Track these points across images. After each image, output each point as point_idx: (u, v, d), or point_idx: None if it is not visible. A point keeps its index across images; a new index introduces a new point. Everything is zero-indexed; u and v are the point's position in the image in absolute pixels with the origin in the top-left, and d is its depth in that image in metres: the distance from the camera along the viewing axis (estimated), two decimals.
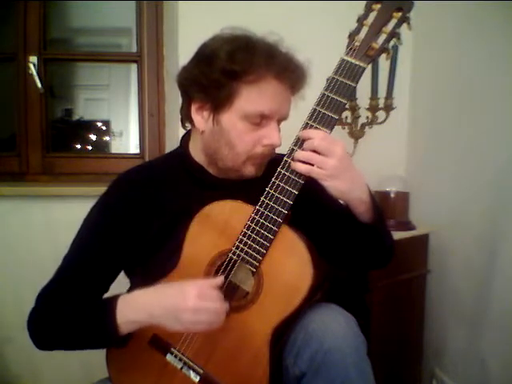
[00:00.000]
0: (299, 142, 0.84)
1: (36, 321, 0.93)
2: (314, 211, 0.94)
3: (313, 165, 0.82)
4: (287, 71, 0.88)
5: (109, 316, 0.84)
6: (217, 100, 0.89)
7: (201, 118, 0.93)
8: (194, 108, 0.93)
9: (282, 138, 0.91)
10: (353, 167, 0.85)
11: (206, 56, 0.90)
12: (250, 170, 0.93)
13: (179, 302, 0.80)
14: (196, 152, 0.98)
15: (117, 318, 0.84)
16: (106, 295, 0.98)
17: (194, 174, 0.98)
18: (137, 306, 0.85)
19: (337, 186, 0.83)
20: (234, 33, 0.90)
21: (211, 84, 0.88)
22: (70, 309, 0.91)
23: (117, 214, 0.94)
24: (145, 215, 0.94)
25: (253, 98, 0.87)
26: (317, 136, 0.81)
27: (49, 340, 0.93)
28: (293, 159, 0.84)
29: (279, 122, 0.93)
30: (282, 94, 0.90)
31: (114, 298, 0.87)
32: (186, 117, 0.97)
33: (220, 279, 0.85)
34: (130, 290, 1.01)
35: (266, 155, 0.92)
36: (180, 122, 1.02)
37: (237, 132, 0.89)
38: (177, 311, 0.81)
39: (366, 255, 0.96)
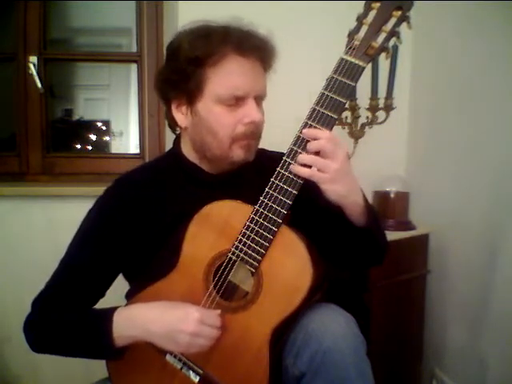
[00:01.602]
0: (299, 141, 0.83)
1: (31, 327, 0.93)
2: (311, 211, 0.93)
3: (310, 166, 0.82)
4: (245, 43, 0.88)
5: (105, 329, 0.85)
6: (189, 91, 0.90)
7: (181, 115, 0.95)
8: (173, 107, 0.95)
9: (265, 118, 0.92)
10: (351, 171, 0.85)
11: (171, 53, 0.93)
12: (238, 154, 0.92)
13: (181, 323, 0.82)
14: (188, 151, 0.99)
15: (113, 332, 0.85)
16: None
17: (189, 172, 0.98)
18: (134, 321, 0.85)
19: (336, 189, 0.82)
20: (193, 25, 0.92)
21: (181, 77, 0.90)
22: (66, 318, 0.91)
23: (114, 217, 0.94)
24: (142, 217, 0.94)
25: (221, 78, 0.88)
26: (323, 136, 0.81)
27: (44, 347, 0.93)
28: (296, 162, 0.83)
29: (258, 100, 0.92)
30: (250, 69, 0.90)
31: (111, 311, 0.87)
32: (170, 119, 0.99)
33: (218, 311, 0.85)
34: (130, 292, 1.02)
35: (249, 135, 0.91)
36: (169, 128, 1.04)
37: (214, 117, 0.90)
38: (176, 332, 0.82)
39: (361, 256, 0.96)
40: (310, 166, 0.82)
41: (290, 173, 0.83)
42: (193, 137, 0.95)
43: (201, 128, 0.92)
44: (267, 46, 0.92)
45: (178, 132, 1.03)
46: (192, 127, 0.94)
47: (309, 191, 0.84)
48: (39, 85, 1.70)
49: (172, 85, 0.92)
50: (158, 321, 0.83)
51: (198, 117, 0.92)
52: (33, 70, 1.68)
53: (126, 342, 0.86)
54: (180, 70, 0.89)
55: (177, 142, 1.02)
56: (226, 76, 0.88)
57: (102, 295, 0.98)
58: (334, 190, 0.82)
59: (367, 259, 0.98)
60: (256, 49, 0.89)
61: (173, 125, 1.00)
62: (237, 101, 0.89)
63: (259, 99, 0.93)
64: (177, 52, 0.90)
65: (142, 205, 0.95)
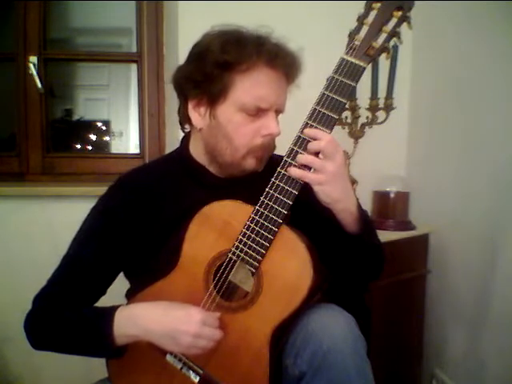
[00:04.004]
0: (300, 141, 0.83)
1: (32, 323, 0.93)
2: (309, 214, 0.92)
3: (310, 169, 0.82)
4: (278, 57, 0.88)
5: (106, 328, 0.85)
6: (212, 93, 0.89)
7: (198, 115, 0.93)
8: (190, 106, 0.93)
9: (281, 130, 0.91)
10: (347, 177, 0.85)
11: (198, 52, 0.91)
12: (250, 163, 0.92)
13: (183, 324, 0.82)
14: (197, 152, 0.98)
15: (113, 331, 0.84)
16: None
17: (195, 174, 0.98)
18: (135, 320, 0.85)
19: (329, 192, 0.82)
20: (224, 28, 0.91)
21: (205, 78, 0.88)
22: (67, 315, 0.91)
23: (116, 217, 0.94)
24: (145, 217, 0.94)
25: (247, 87, 0.88)
26: (324, 138, 0.81)
27: (44, 343, 0.93)
28: (295, 162, 0.83)
29: (277, 113, 0.92)
30: (276, 82, 0.90)
31: (112, 309, 0.87)
32: (183, 117, 0.97)
33: (218, 314, 0.85)
34: (130, 290, 1.02)
35: (266, 147, 0.92)
36: (179, 125, 1.03)
37: (233, 125, 0.89)
38: (178, 333, 0.82)
39: (354, 265, 0.95)
40: (309, 167, 0.82)
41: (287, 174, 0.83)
42: (206, 139, 0.94)
43: (217, 132, 0.91)
44: (295, 62, 0.92)
45: (186, 130, 1.02)
46: (208, 129, 0.93)
47: (308, 194, 0.84)
48: (39, 85, 1.70)
49: (194, 84, 0.91)
50: (159, 321, 0.83)
51: (216, 121, 0.91)
52: (33, 70, 1.68)
53: (126, 341, 0.86)
54: (206, 71, 0.88)
55: (185, 141, 1.01)
56: (253, 85, 0.88)
57: (104, 293, 0.97)
58: (327, 192, 0.82)
59: (359, 269, 0.97)
60: (285, 64, 0.89)
61: (185, 122, 0.99)
62: (258, 111, 0.89)
63: (278, 113, 0.93)
64: (204, 53, 0.89)
65: (145, 203, 0.95)
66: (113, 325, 0.85)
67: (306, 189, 0.83)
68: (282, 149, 0.90)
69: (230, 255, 0.86)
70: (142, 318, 0.85)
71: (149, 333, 0.84)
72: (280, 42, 0.91)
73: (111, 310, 0.87)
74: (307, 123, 0.83)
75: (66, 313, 0.91)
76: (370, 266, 0.97)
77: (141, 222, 0.94)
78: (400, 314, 1.57)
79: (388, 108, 1.50)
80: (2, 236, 1.63)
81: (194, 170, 0.98)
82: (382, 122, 1.52)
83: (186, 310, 0.83)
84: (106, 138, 2.48)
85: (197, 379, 0.88)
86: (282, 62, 0.89)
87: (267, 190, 0.84)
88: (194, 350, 0.83)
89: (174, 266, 0.90)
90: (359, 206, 0.89)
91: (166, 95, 1.78)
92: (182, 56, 0.98)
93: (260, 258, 0.84)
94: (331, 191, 0.82)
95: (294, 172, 0.82)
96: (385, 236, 1.41)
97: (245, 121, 0.89)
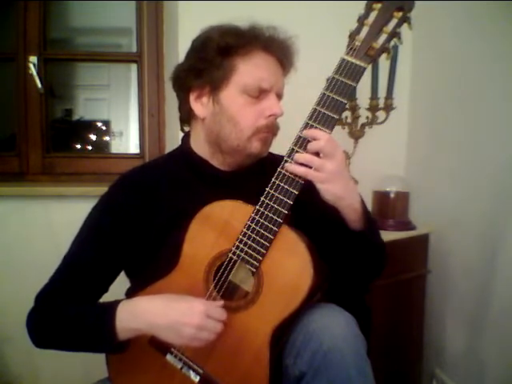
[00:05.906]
0: (300, 141, 0.83)
1: (34, 321, 0.93)
2: (310, 214, 0.92)
3: (311, 167, 0.82)
4: (274, 42, 0.93)
5: (108, 322, 0.85)
6: (215, 80, 0.92)
7: (200, 106, 0.95)
8: (192, 98, 0.95)
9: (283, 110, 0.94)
10: (348, 175, 0.87)
11: (199, 44, 0.95)
12: (255, 146, 0.93)
13: (186, 316, 0.82)
14: (198, 146, 0.99)
15: (116, 325, 0.84)
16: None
17: (197, 168, 0.98)
18: (138, 313, 0.85)
19: (332, 189, 0.83)
20: (222, 23, 0.95)
21: (208, 65, 0.92)
22: (69, 311, 0.91)
23: (118, 215, 0.94)
24: (146, 215, 0.94)
25: (248, 69, 0.91)
26: (323, 137, 0.82)
27: (46, 340, 0.93)
28: (293, 160, 0.83)
29: (277, 98, 0.95)
30: (274, 66, 0.94)
31: (115, 304, 0.87)
32: (185, 112, 0.99)
33: (221, 302, 0.86)
34: (130, 289, 1.02)
35: (270, 127, 0.94)
36: (179, 124, 1.04)
37: (237, 107, 0.92)
38: (181, 325, 0.81)
39: (357, 262, 0.95)
40: (309, 166, 0.82)
41: (289, 172, 0.83)
42: (210, 127, 0.95)
43: (221, 118, 0.93)
44: (290, 48, 0.96)
45: (187, 129, 1.03)
46: (211, 117, 0.94)
47: (309, 194, 0.84)
48: (39, 85, 1.70)
49: (196, 74, 0.93)
50: (162, 314, 0.83)
51: (220, 106, 0.93)
52: (33, 70, 1.68)
53: (129, 335, 0.86)
54: (208, 58, 0.91)
55: (186, 139, 1.02)
56: (254, 67, 0.92)
57: (106, 290, 0.98)
58: (329, 189, 0.83)
59: (362, 266, 0.97)
60: (281, 48, 0.94)
61: (186, 118, 1.01)
62: (260, 93, 0.92)
63: (278, 97, 0.96)
64: (205, 42, 0.93)
65: (146, 201, 0.95)
66: (115, 319, 0.84)
67: (306, 189, 0.83)
68: (282, 149, 0.90)
69: (230, 255, 0.86)
70: (145, 312, 0.85)
71: (152, 326, 0.84)
72: (275, 30, 0.94)
73: (113, 305, 0.87)
74: (307, 123, 0.84)
75: (68, 309, 0.91)
76: (373, 263, 0.98)
77: (142, 220, 0.94)
78: (400, 313, 1.57)
79: (388, 108, 1.50)
80: (2, 236, 1.63)
81: (195, 165, 0.99)
82: (382, 122, 1.52)
83: (188, 302, 0.84)
84: (106, 138, 2.48)
85: (197, 379, 0.88)
86: (278, 47, 0.93)
87: (267, 189, 0.85)
88: (196, 343, 0.83)
89: (175, 265, 0.90)
90: (363, 203, 0.90)
91: (166, 95, 1.78)
92: (182, 56, 0.99)
93: (260, 257, 0.84)
94: (333, 189, 0.83)
95: (298, 169, 0.82)
96: (385, 236, 1.39)
97: (248, 103, 0.92)
